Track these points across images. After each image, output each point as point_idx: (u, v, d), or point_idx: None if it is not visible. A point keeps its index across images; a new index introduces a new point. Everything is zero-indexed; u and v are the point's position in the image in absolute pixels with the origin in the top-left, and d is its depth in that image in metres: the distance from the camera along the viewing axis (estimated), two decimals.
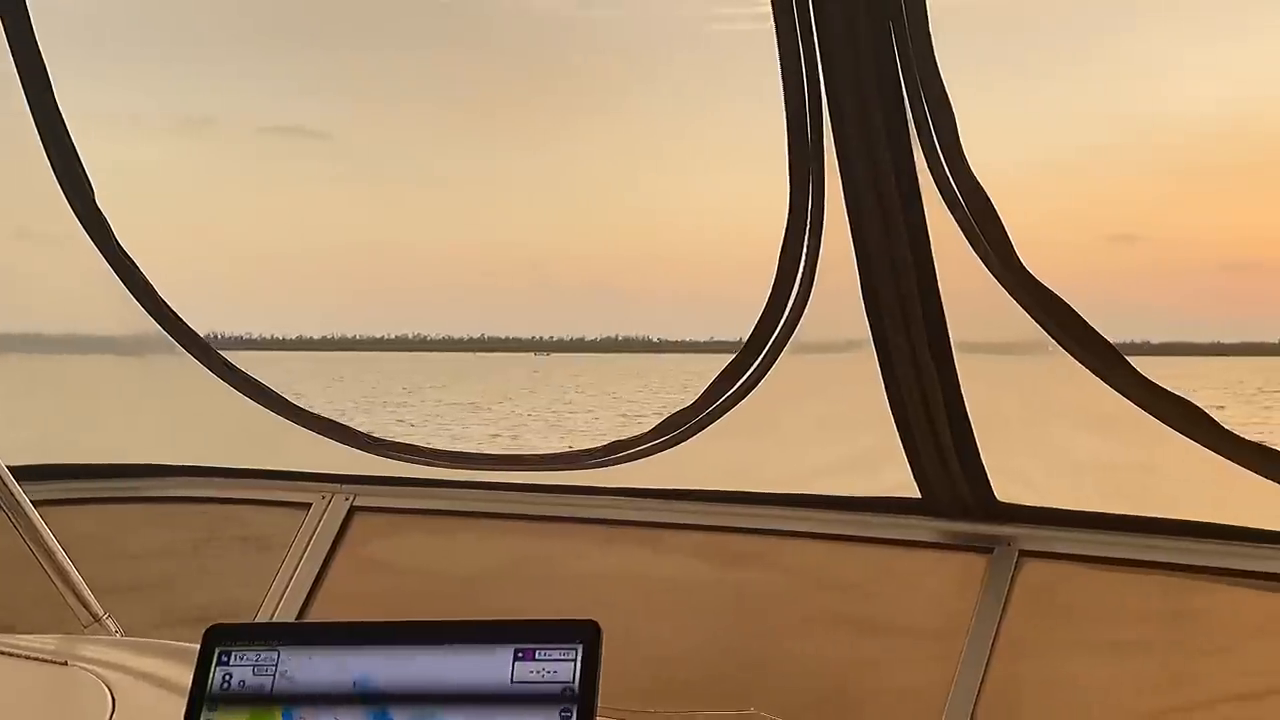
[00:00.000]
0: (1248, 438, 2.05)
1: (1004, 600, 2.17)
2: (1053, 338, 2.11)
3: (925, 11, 1.98)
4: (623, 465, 2.56)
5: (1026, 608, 2.18)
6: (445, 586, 2.62)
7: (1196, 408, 2.04)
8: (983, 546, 2.25)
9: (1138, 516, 2.17)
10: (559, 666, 0.99)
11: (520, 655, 1.00)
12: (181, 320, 2.93)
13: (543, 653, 1.00)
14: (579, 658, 0.99)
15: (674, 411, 2.44)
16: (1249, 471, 2.04)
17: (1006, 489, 2.25)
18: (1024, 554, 2.21)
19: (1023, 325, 2.12)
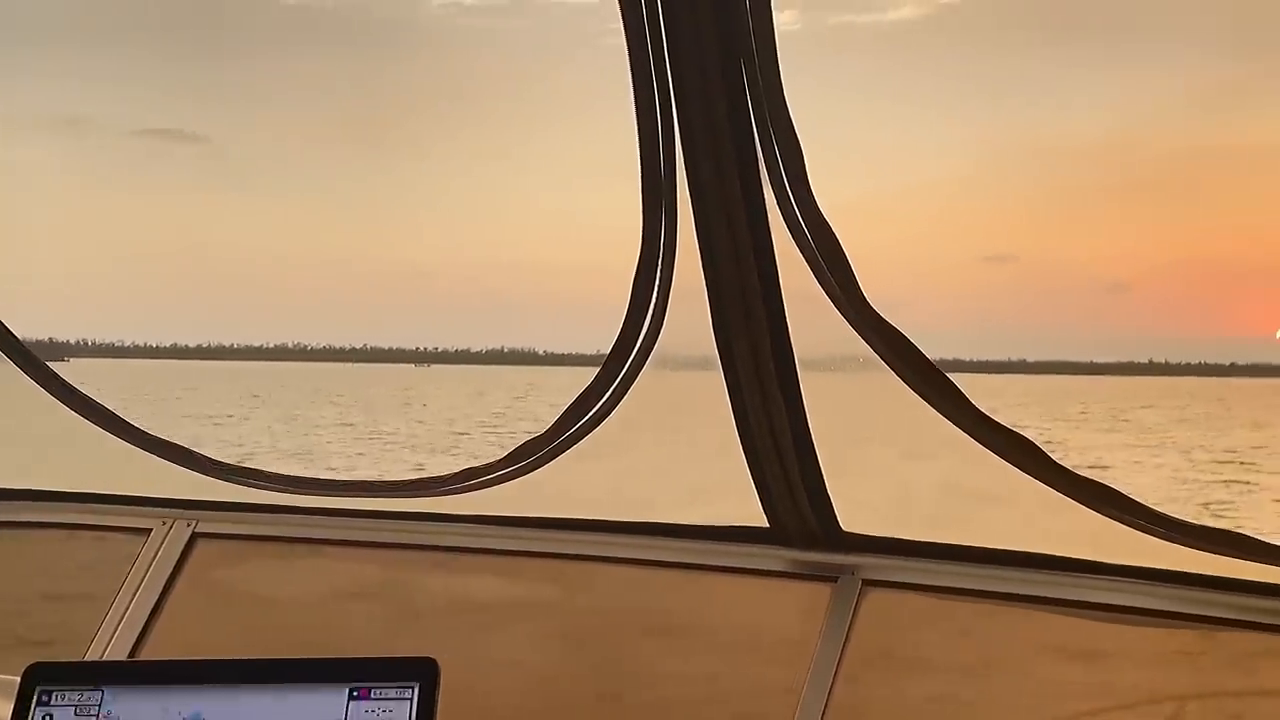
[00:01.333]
0: (1078, 471, 2.13)
1: (847, 629, 2.22)
2: (892, 369, 2.17)
3: (775, 51, 2.02)
4: (477, 492, 2.54)
5: (869, 635, 2.22)
6: (289, 617, 2.56)
7: (1025, 438, 2.12)
8: (828, 575, 2.29)
9: (978, 547, 2.24)
10: (395, 706, 0.98)
11: (355, 695, 0.99)
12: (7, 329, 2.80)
13: (379, 692, 0.99)
14: (415, 697, 0.98)
15: (527, 439, 2.43)
16: (1078, 504, 2.13)
17: (851, 518, 2.30)
18: (867, 583, 2.26)
19: (865, 356, 2.17)
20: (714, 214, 2.12)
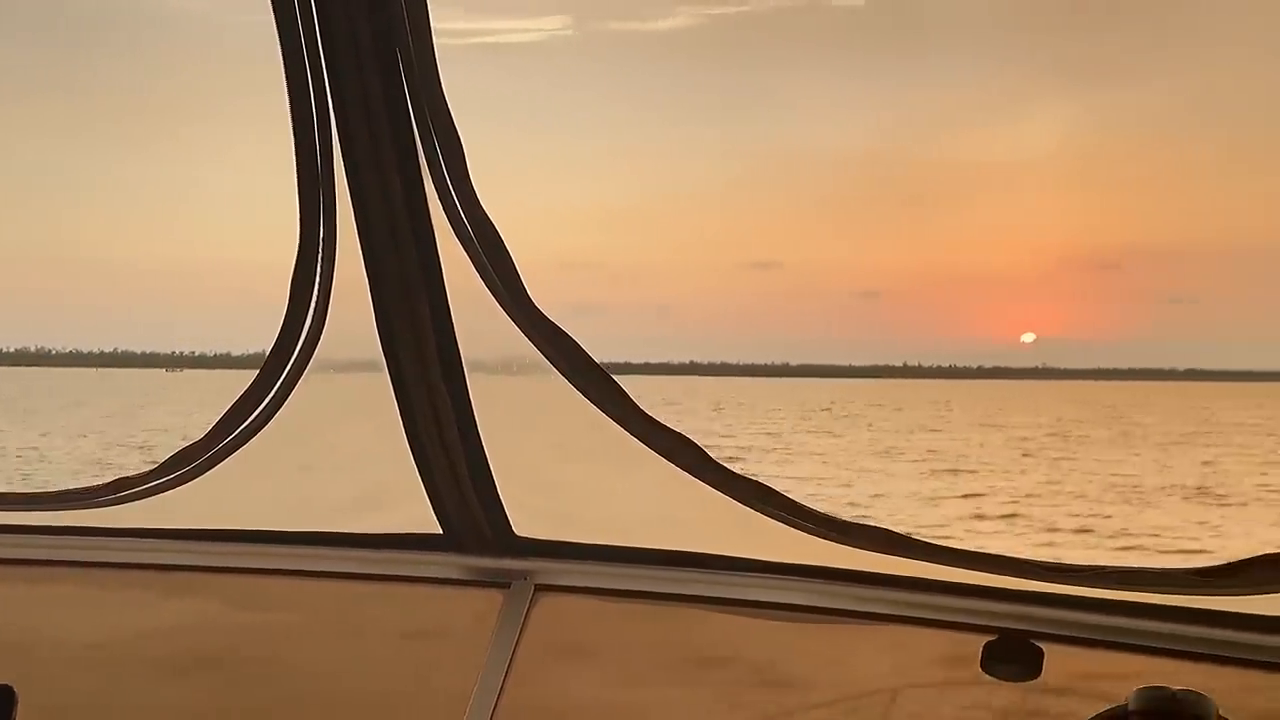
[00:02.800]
0: (742, 473, 2.14)
1: (518, 635, 2.18)
2: (560, 371, 2.14)
3: (430, 39, 1.96)
4: (131, 504, 2.38)
5: (540, 640, 2.19)
6: None
7: (689, 440, 2.13)
8: (501, 581, 2.25)
9: (648, 549, 2.24)
10: None
11: None
12: None
13: None
14: None
15: (183, 446, 2.29)
16: (745, 507, 2.14)
17: (524, 523, 2.26)
18: (540, 588, 2.23)
19: (533, 358, 2.14)
20: (374, 210, 2.05)
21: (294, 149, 2.06)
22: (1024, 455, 28.50)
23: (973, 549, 2.05)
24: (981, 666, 1.94)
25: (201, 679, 2.31)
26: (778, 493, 2.13)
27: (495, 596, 2.23)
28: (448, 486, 2.22)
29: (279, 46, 2.00)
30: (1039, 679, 1.91)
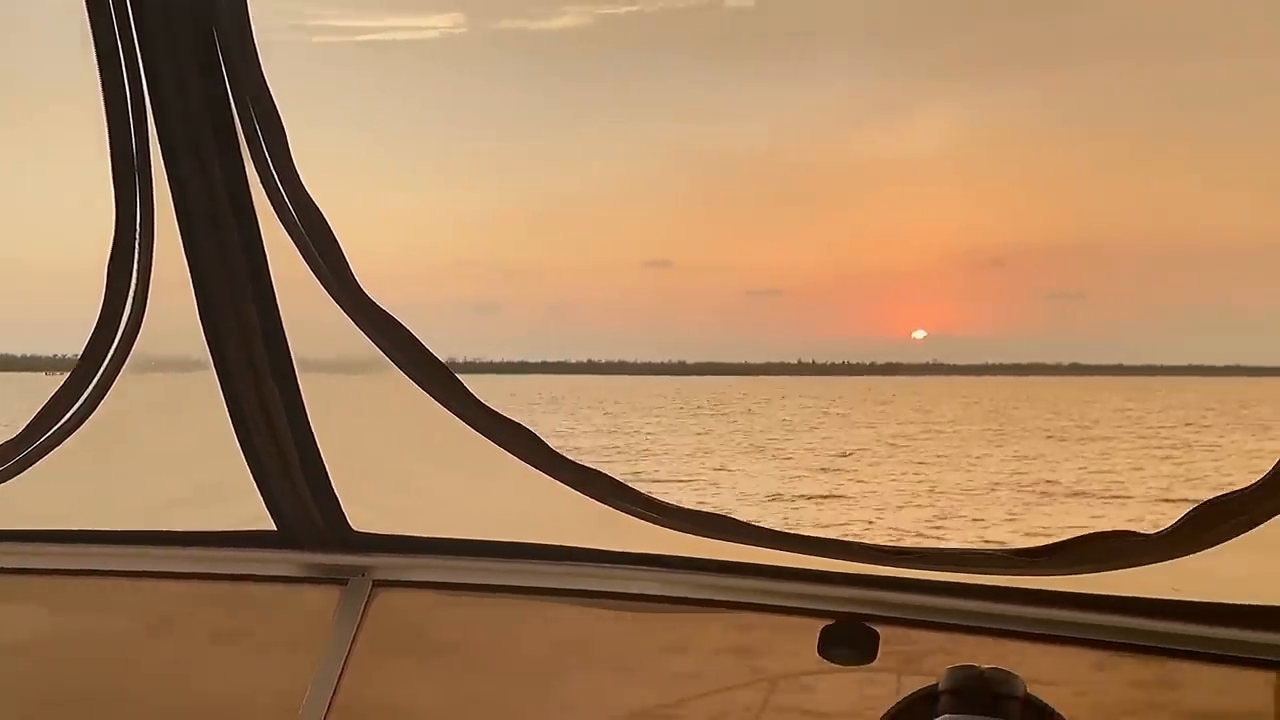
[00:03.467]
0: (580, 462, 2.12)
1: (355, 631, 2.12)
2: (392, 360, 2.09)
3: (248, 21, 1.90)
4: None
5: (378, 638, 2.14)
6: None
7: (528, 430, 2.09)
8: (338, 578, 2.19)
9: (488, 541, 2.20)
10: None
11: None
12: None
13: None
14: None
15: None
16: (589, 498, 2.12)
17: (361, 517, 2.21)
18: (378, 584, 2.17)
19: (363, 347, 2.08)
20: (194, 197, 1.99)
21: (108, 135, 1.98)
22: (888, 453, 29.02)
23: (810, 533, 2.05)
24: (819, 651, 1.94)
25: (28, 689, 2.21)
26: (620, 483, 2.11)
27: (332, 593, 2.17)
28: (280, 481, 2.16)
29: (89, 27, 1.92)
30: (874, 661, 1.92)
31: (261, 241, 2.01)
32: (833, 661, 1.94)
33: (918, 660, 1.92)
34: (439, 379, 2.08)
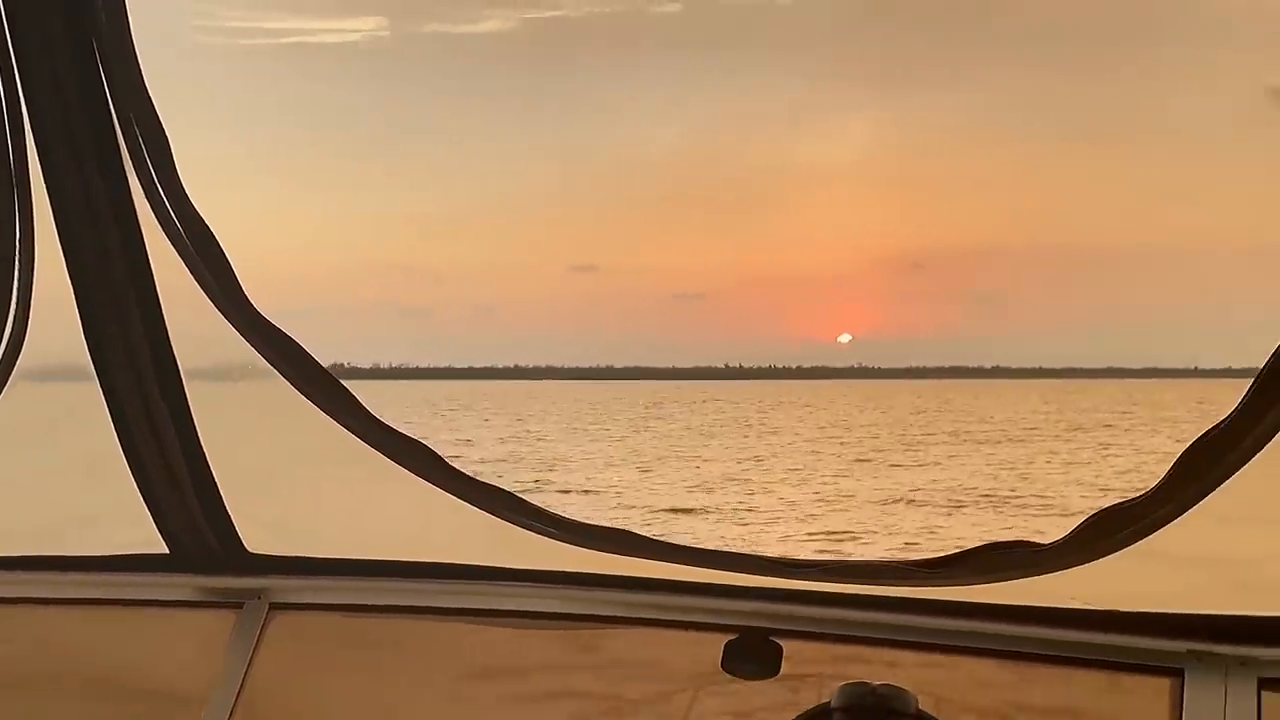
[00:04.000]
0: (477, 477, 2.08)
1: (251, 655, 2.07)
2: (283, 375, 2.04)
3: (128, 29, 1.85)
4: None
5: (276, 661, 2.08)
6: None
7: (423, 445, 2.05)
8: (233, 601, 2.13)
9: (388, 561, 2.15)
10: None
11: None
12: None
13: None
14: None
15: None
16: (482, 511, 2.08)
17: (256, 538, 2.15)
18: (275, 606, 2.12)
19: (255, 362, 2.03)
20: (76, 210, 1.93)
21: None
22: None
23: (714, 548, 2.03)
24: (723, 665, 1.92)
25: None
26: (520, 498, 2.08)
27: (227, 617, 2.11)
28: (171, 502, 2.09)
29: None
30: (778, 675, 1.90)
31: (145, 252, 1.95)
32: (737, 676, 1.92)
33: (820, 673, 1.90)
34: (330, 392, 2.03)
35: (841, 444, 33.49)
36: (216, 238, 1.95)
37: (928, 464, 28.24)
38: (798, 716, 1.69)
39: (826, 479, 25.41)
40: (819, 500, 22.10)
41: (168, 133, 1.90)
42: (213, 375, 2.12)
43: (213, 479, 2.09)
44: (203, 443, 2.07)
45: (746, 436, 36.79)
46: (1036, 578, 1.80)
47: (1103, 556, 1.75)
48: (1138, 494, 1.69)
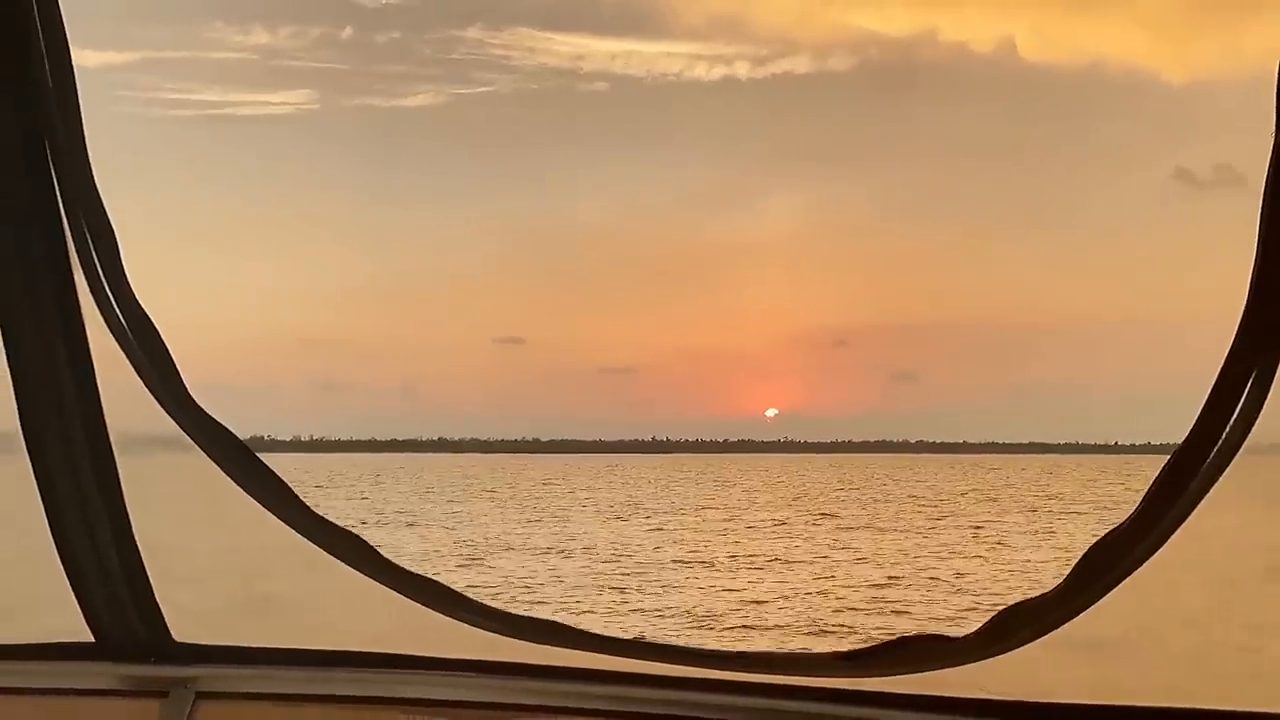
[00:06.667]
0: (411, 570, 2.11)
1: None
2: (222, 469, 2.06)
3: (80, 129, 1.90)
4: None
5: None
6: None
7: (356, 536, 2.08)
8: (159, 690, 2.12)
9: (320, 650, 2.16)
10: None
11: None
12: None
13: None
14: None
15: None
16: (414, 602, 2.11)
17: (184, 627, 2.16)
18: (201, 695, 2.11)
19: (192, 456, 2.05)
20: (21, 307, 1.96)
21: None
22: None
23: (632, 638, 2.07)
24: None
25: None
26: (451, 589, 2.11)
27: (151, 707, 2.10)
28: (99, 589, 2.10)
29: None
30: None
31: (88, 350, 1.98)
32: None
33: None
34: (265, 483, 2.06)
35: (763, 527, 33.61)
36: (159, 333, 1.98)
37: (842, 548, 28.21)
38: None
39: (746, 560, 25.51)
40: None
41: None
42: (149, 463, 2.14)
43: (143, 568, 2.10)
44: (135, 533, 2.08)
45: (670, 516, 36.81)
46: (949, 669, 1.87)
47: (1011, 650, 1.82)
48: (1044, 591, 1.78)
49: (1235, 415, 1.66)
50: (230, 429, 2.04)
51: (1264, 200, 1.58)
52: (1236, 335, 1.64)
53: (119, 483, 2.06)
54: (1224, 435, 1.67)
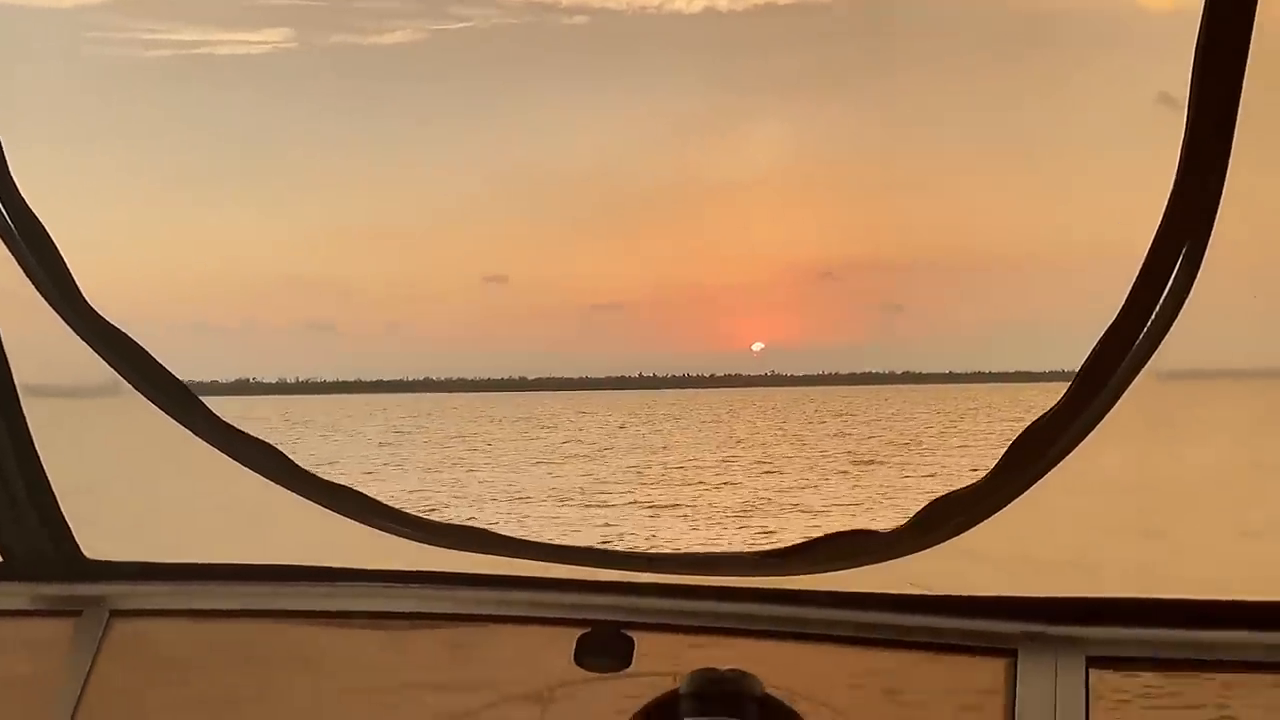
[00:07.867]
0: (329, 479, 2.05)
1: (90, 664, 2.01)
2: (127, 380, 1.99)
3: None
4: None
5: (117, 670, 2.03)
6: None
7: (273, 448, 2.02)
8: (71, 610, 2.07)
9: (235, 565, 2.10)
10: None
11: None
12: None
13: None
14: None
15: None
16: (332, 512, 2.05)
17: (96, 545, 2.09)
18: (115, 613, 2.06)
19: (95, 368, 1.98)
20: None
21: None
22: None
23: (563, 542, 2.02)
24: (575, 659, 1.92)
25: None
26: (369, 498, 2.05)
27: (64, 626, 2.05)
28: (5, 509, 2.03)
29: None
30: (630, 668, 1.90)
31: None
32: (589, 669, 1.92)
33: (672, 664, 1.90)
34: (173, 394, 1.99)
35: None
36: (51, 236, 1.90)
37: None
38: (647, 704, 1.69)
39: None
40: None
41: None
42: (46, 377, 2.06)
43: (49, 487, 2.03)
44: (40, 451, 2.01)
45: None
46: (877, 565, 1.82)
47: (939, 543, 1.78)
48: (968, 484, 1.73)
49: (1165, 292, 1.60)
50: (126, 332, 1.96)
51: (1192, 75, 1.54)
52: (1165, 212, 1.59)
53: (19, 402, 1.98)
54: (1154, 313, 1.61)
